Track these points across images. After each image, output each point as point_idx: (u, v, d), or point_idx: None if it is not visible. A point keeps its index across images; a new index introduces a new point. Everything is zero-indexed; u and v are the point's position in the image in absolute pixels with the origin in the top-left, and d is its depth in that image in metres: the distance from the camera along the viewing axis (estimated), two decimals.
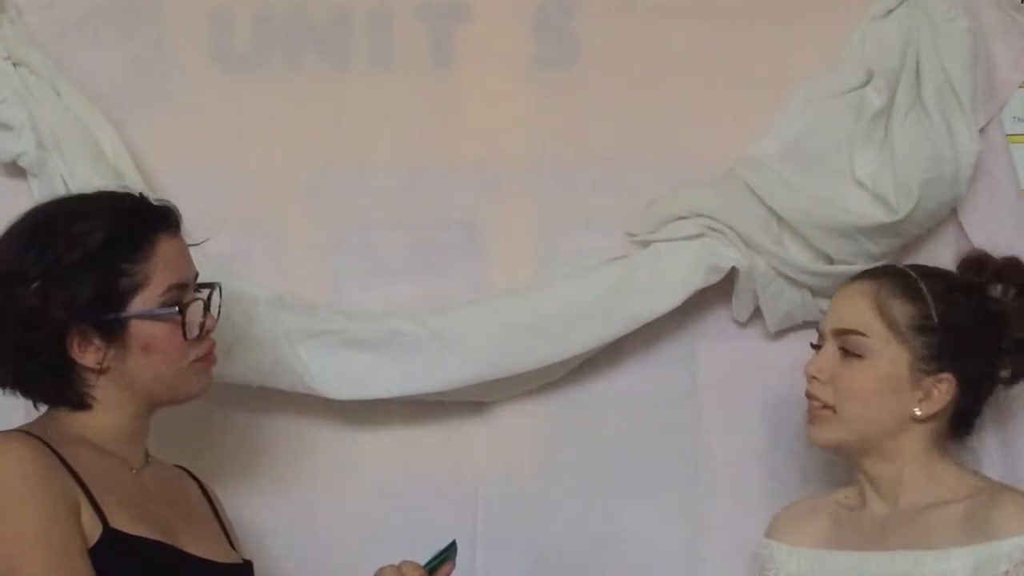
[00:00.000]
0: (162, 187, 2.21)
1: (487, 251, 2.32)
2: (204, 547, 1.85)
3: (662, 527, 2.27)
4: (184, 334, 1.82)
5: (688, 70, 2.32)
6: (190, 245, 1.90)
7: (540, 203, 2.32)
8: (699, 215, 2.23)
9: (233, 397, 2.26)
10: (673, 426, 2.29)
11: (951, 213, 2.27)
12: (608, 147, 2.31)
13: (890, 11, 2.27)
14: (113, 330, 1.78)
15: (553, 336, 2.22)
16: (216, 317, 1.90)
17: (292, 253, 2.31)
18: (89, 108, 2.24)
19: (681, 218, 2.24)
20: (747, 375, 2.29)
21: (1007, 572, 1.86)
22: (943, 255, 2.26)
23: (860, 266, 2.18)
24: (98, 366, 1.79)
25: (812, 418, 2.01)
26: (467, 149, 2.33)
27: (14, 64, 2.24)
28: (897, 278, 2.02)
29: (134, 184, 2.15)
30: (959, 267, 2.10)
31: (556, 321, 2.22)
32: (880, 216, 2.19)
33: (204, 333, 1.86)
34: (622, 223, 2.28)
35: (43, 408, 1.87)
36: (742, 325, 2.30)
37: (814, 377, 2.00)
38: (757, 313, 2.27)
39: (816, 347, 2.04)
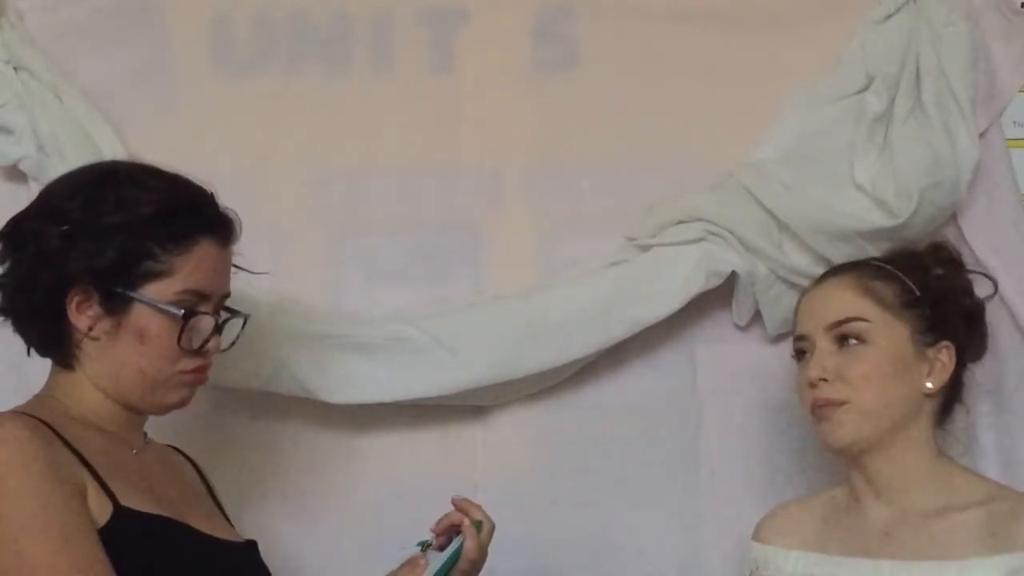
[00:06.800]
0: None
1: (487, 255, 2.32)
2: (211, 526, 1.82)
3: (662, 532, 2.27)
4: (179, 339, 1.75)
5: (688, 74, 2.32)
6: (235, 268, 1.85)
7: (540, 207, 2.33)
8: (699, 219, 2.23)
9: (233, 401, 2.26)
10: (673, 430, 2.29)
11: (951, 217, 2.27)
12: (608, 151, 2.32)
13: (890, 15, 2.27)
14: (115, 303, 1.73)
15: (553, 340, 2.22)
16: (225, 346, 1.84)
17: (292, 257, 2.31)
18: (90, 112, 2.25)
19: (681, 222, 2.24)
20: (747, 379, 2.29)
21: None
22: None
23: None
24: (88, 330, 1.74)
25: (825, 418, 1.92)
26: (467, 153, 2.33)
27: (15, 68, 2.25)
28: (865, 267, 2.00)
29: None
30: (893, 255, 2.07)
31: (556, 325, 2.22)
32: (880, 220, 2.19)
33: (203, 350, 1.79)
34: (622, 227, 2.28)
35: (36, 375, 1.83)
36: (742, 329, 2.30)
37: (821, 379, 1.92)
38: (757, 317, 2.28)
39: (799, 356, 2.00)
